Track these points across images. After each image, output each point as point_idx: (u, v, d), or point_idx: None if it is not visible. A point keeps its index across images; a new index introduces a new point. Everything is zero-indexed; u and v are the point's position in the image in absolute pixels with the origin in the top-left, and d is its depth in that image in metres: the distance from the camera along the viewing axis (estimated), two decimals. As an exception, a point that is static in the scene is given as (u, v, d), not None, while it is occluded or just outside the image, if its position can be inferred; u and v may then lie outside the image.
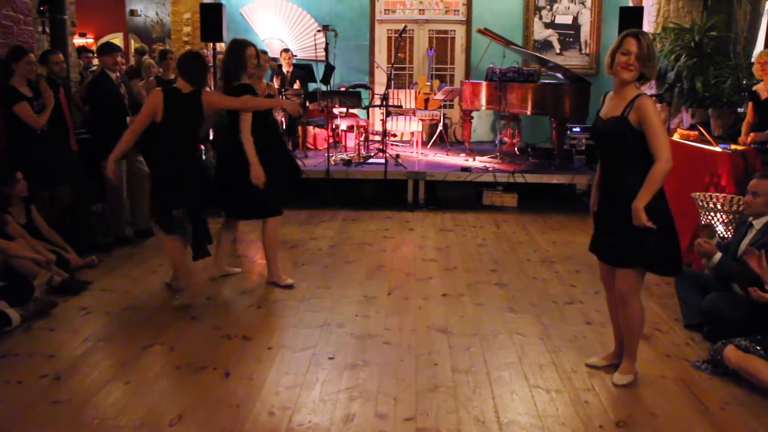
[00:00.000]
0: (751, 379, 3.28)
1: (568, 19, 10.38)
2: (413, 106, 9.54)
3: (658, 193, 3.08)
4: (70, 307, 4.39)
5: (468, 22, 10.40)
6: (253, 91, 4.55)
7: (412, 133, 9.31)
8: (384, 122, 8.39)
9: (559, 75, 8.60)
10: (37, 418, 3.01)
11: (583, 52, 10.40)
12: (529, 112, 8.08)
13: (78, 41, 9.45)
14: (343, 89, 9.29)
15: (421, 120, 9.38)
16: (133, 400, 3.16)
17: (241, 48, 4.54)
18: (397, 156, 8.25)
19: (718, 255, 3.78)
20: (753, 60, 6.42)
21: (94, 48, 9.02)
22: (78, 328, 4.03)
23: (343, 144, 9.13)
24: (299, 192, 7.28)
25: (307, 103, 8.91)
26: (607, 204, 3.30)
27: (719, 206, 4.64)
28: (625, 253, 3.21)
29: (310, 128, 9.49)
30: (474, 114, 9.39)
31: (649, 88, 8.43)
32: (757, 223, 3.82)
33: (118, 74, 5.81)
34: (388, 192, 7.91)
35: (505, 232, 6.57)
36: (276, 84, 8.48)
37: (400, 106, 9.19)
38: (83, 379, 3.38)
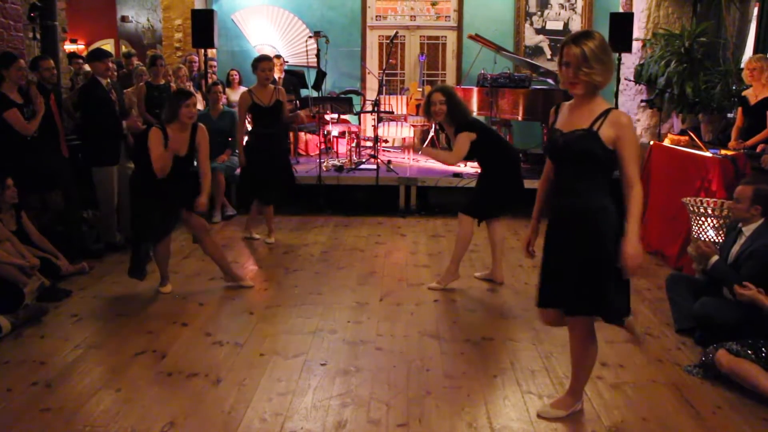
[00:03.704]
0: (743, 383, 3.29)
1: (558, 25, 10.43)
2: (405, 111, 9.55)
3: (621, 231, 2.70)
4: (61, 314, 4.37)
5: (459, 28, 10.43)
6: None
7: (404, 139, 9.31)
8: (375, 128, 8.40)
9: (550, 81, 8.64)
10: (28, 426, 2.98)
11: (573, 58, 10.43)
12: (520, 118, 8.10)
13: (69, 47, 9.42)
14: (334, 95, 9.30)
15: (413, 126, 9.38)
16: (124, 408, 3.14)
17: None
18: (389, 162, 8.26)
19: (715, 257, 3.80)
20: (742, 65, 6.47)
21: (84, 54, 8.99)
22: (69, 335, 4.01)
23: (335, 150, 9.13)
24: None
25: (299, 110, 8.89)
26: (563, 231, 2.85)
27: (709, 211, 4.66)
28: (584, 297, 2.78)
29: (302, 134, 9.48)
30: (465, 120, 9.37)
31: (640, 94, 8.50)
32: (747, 230, 3.84)
33: (109, 80, 5.79)
34: (380, 198, 7.91)
35: (497, 237, 6.56)
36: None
37: (392, 112, 9.19)
38: (74, 386, 3.36)
